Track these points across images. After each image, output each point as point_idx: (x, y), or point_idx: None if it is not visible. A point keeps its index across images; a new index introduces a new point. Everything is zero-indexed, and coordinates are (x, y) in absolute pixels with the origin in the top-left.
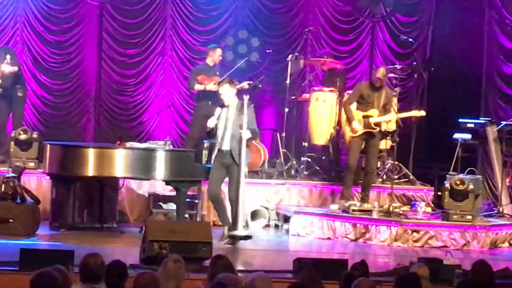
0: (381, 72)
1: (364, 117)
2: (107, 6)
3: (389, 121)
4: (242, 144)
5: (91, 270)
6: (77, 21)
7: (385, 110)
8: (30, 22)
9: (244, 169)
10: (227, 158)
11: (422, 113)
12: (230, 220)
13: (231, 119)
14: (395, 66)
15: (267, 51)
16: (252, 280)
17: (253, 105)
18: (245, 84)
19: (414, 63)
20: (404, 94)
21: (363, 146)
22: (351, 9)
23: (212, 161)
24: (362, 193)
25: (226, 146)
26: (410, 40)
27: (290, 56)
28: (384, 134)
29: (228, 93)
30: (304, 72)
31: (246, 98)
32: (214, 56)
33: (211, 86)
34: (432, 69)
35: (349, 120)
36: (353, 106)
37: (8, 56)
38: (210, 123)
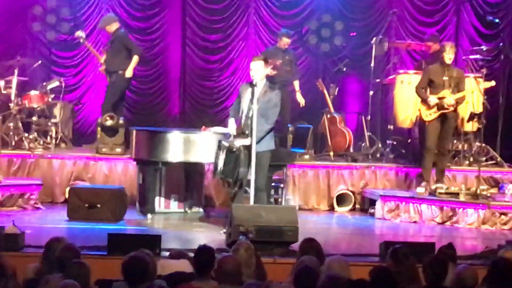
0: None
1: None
2: None
3: (463, 97)
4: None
5: None
6: (161, 7)
7: (458, 90)
8: (114, 9)
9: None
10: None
11: (492, 83)
12: None
13: (256, 100)
14: (481, 47)
15: (351, 34)
16: (330, 263)
17: (280, 91)
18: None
19: (501, 44)
20: (490, 76)
21: (439, 129)
22: None
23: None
24: (437, 175)
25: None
26: (497, 21)
27: (374, 39)
28: (471, 116)
29: (258, 70)
30: (389, 55)
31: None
32: (280, 42)
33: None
34: None
35: (424, 100)
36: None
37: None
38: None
